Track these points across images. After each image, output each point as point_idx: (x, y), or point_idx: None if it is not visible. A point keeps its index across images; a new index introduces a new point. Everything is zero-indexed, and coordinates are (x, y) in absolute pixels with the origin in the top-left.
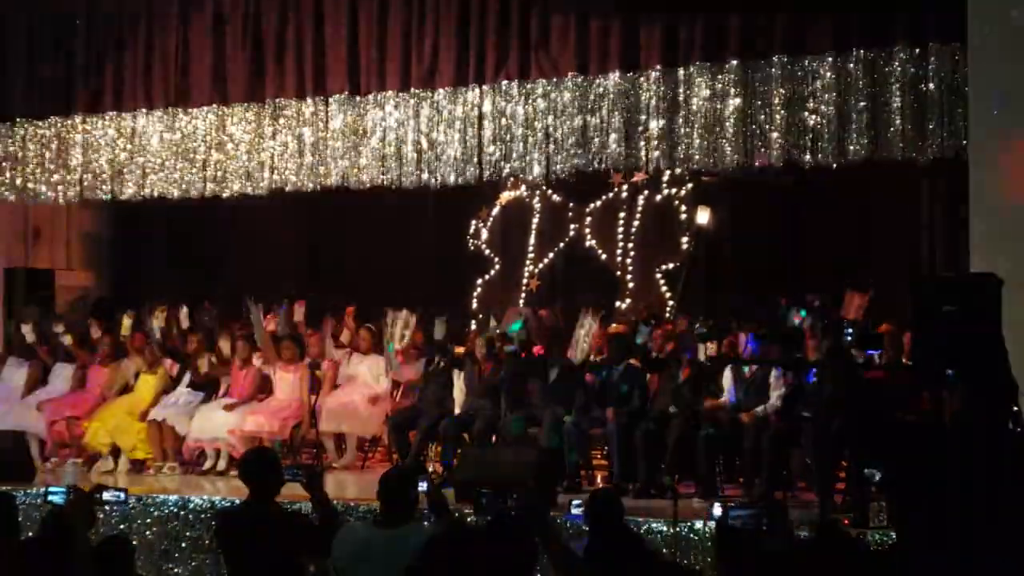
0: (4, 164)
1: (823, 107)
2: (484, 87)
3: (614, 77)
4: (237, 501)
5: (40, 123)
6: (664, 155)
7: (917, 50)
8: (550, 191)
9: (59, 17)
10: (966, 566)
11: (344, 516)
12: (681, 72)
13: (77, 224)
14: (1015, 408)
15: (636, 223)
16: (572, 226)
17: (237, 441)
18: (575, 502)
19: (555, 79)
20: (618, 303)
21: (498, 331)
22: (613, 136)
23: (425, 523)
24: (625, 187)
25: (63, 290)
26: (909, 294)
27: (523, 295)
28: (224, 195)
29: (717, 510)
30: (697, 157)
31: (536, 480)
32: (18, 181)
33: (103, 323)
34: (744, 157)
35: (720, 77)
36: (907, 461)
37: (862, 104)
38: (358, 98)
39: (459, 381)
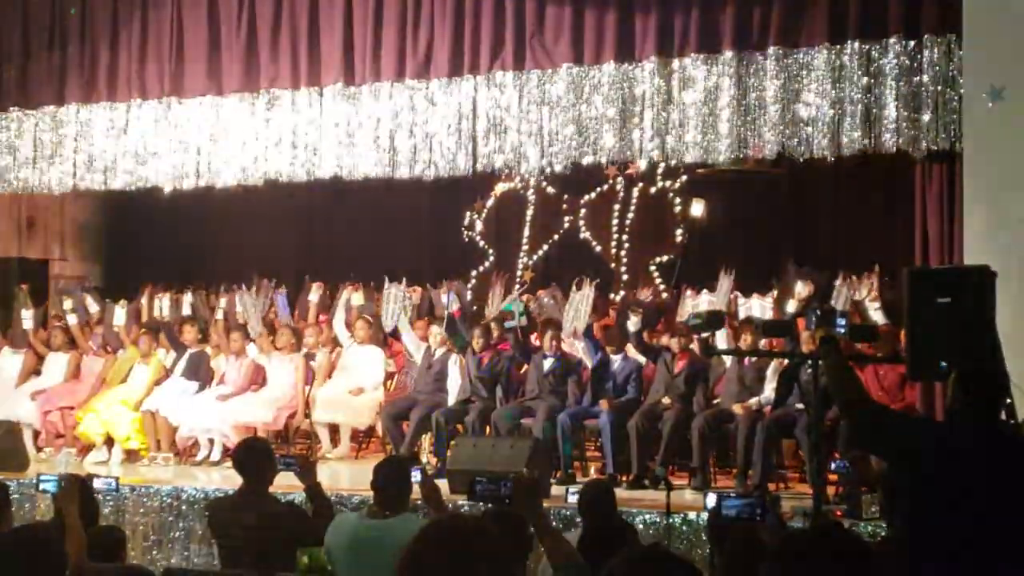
0: None
1: (817, 99)
2: (479, 78)
3: (608, 68)
4: (231, 491)
5: (34, 112)
6: (658, 147)
7: (912, 42)
8: (544, 183)
9: (53, 6)
10: (959, 557)
11: (338, 507)
12: (676, 63)
13: (71, 214)
14: (1007, 399)
15: (630, 215)
16: (566, 218)
17: (231, 431)
18: (570, 492)
19: (550, 70)
20: (612, 295)
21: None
22: (608, 128)
23: (419, 514)
24: (619, 179)
25: (57, 280)
26: (903, 286)
27: (517, 287)
28: (218, 185)
29: (712, 500)
30: (692, 149)
31: (530, 470)
32: (11, 171)
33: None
34: (738, 149)
35: (714, 69)
36: (899, 453)
37: (856, 96)
38: (352, 89)
39: (454, 372)
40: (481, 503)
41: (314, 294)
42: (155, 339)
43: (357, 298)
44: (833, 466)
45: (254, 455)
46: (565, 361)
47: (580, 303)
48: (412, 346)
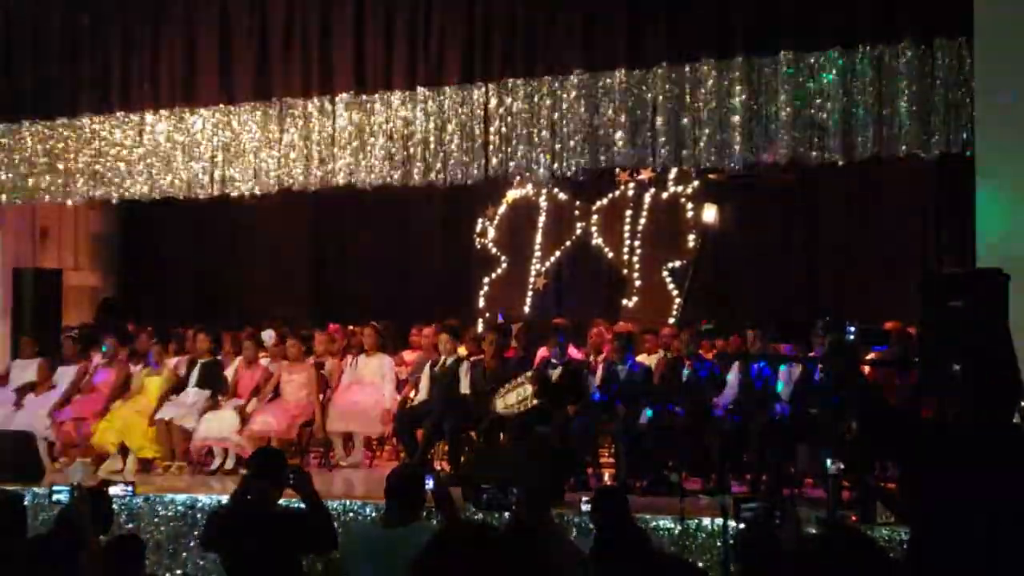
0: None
1: (830, 103)
2: (490, 85)
3: (620, 74)
4: None
5: (47, 123)
6: (670, 152)
7: (924, 45)
8: (556, 189)
9: (66, 17)
10: (974, 561)
11: (352, 515)
12: (687, 69)
13: (84, 224)
14: (1021, 402)
15: (643, 221)
16: (579, 224)
17: (245, 441)
18: (583, 498)
19: (561, 76)
20: (624, 301)
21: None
22: (620, 133)
23: (433, 521)
24: (632, 185)
25: (71, 290)
26: (916, 290)
27: (530, 294)
28: (231, 194)
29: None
30: (704, 154)
31: (540, 477)
32: (25, 181)
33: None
34: (751, 154)
35: (726, 73)
36: (912, 456)
37: (869, 100)
38: (364, 97)
39: (465, 379)
40: (486, 511)
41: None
42: (165, 348)
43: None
44: (832, 468)
45: (270, 462)
46: (573, 367)
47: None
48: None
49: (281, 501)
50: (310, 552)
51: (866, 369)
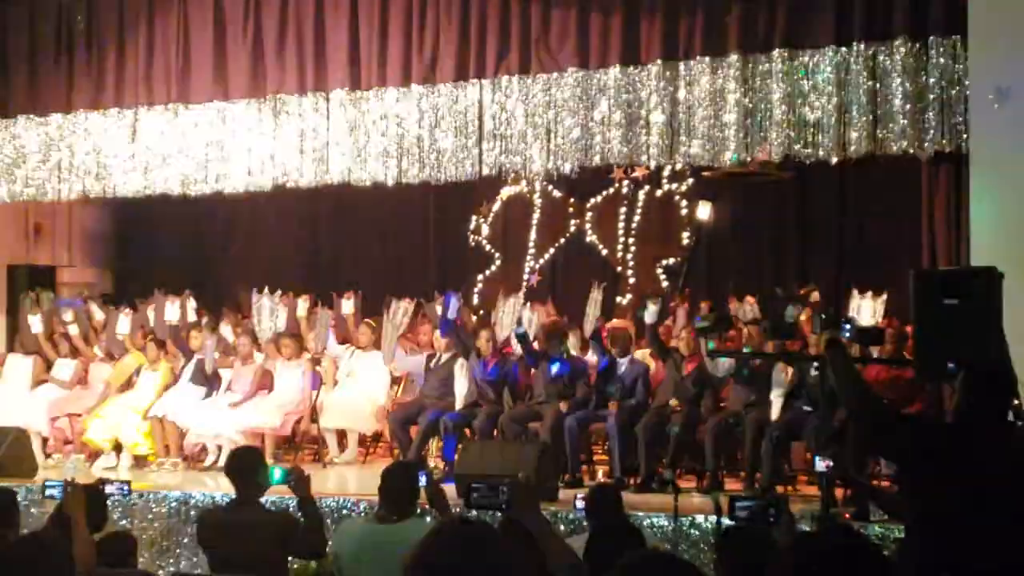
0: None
1: (823, 101)
2: (484, 82)
3: (614, 71)
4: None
5: (41, 119)
6: (665, 150)
7: (917, 43)
8: (551, 186)
9: (60, 13)
10: (969, 558)
11: (344, 512)
12: (681, 66)
13: (78, 220)
14: (1016, 401)
15: (637, 218)
16: (573, 221)
17: (239, 436)
18: (577, 495)
19: (555, 74)
20: (618, 298)
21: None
22: (614, 131)
23: (427, 518)
24: (626, 182)
25: (65, 286)
26: (910, 288)
27: (524, 291)
28: (225, 191)
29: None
30: (698, 152)
31: (535, 474)
32: (20, 178)
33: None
34: (745, 151)
35: (720, 71)
36: (907, 455)
37: (863, 98)
38: (359, 93)
39: (460, 375)
40: (477, 510)
41: (347, 308)
42: (162, 347)
43: (348, 306)
44: (821, 466)
45: (243, 464)
46: (572, 364)
47: (588, 307)
48: (406, 364)
49: (277, 498)
50: (297, 556)
51: (861, 367)
